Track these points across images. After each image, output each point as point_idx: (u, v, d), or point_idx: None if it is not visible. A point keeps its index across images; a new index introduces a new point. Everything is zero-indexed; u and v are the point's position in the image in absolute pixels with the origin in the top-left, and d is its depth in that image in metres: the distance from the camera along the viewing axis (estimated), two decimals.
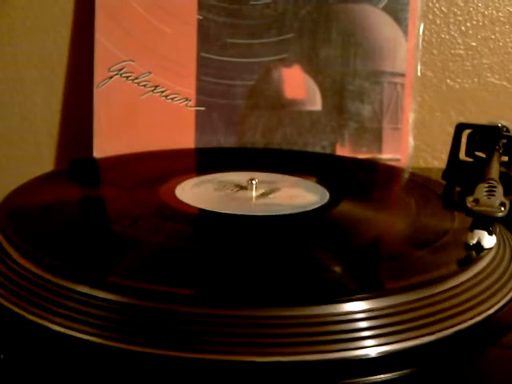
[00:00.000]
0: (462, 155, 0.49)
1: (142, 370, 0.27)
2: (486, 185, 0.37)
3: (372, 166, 0.56)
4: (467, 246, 0.34)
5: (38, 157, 0.61)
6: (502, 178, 0.41)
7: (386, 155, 0.59)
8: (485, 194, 0.36)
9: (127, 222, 0.37)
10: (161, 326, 0.27)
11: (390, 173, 0.54)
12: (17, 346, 0.28)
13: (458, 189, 0.46)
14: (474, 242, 0.34)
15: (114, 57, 0.56)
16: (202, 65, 0.57)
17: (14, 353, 0.28)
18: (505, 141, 0.47)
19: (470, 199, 0.34)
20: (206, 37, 0.57)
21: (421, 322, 0.29)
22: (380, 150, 0.59)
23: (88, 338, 0.28)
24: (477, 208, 0.34)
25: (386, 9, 0.58)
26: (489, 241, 0.34)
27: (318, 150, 0.58)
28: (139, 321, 0.28)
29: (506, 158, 0.47)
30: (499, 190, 0.37)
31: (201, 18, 0.56)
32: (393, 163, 0.58)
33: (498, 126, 0.48)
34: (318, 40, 0.57)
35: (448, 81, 0.64)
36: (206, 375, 0.26)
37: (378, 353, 0.28)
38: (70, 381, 0.27)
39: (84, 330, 0.28)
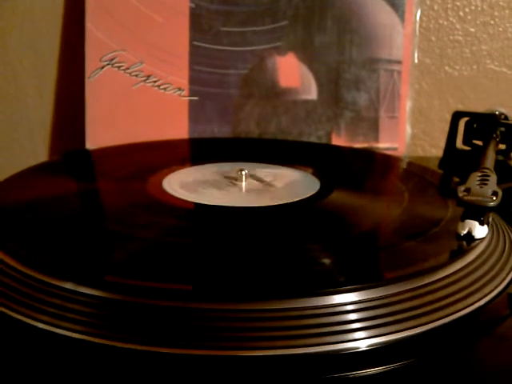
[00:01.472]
0: (460, 144, 0.49)
1: (133, 367, 0.26)
2: (480, 173, 0.36)
3: (368, 155, 0.55)
4: (458, 237, 0.33)
5: (32, 148, 0.60)
6: (500, 166, 0.40)
7: (383, 144, 0.58)
8: (477, 183, 0.35)
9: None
10: (148, 322, 0.27)
11: (386, 162, 0.53)
12: (1, 345, 0.28)
13: (456, 179, 0.46)
14: (465, 232, 0.33)
15: (105, 46, 0.55)
16: (195, 54, 0.56)
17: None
18: (503, 129, 0.46)
19: (461, 188, 0.34)
20: (198, 25, 0.56)
21: (412, 313, 0.29)
22: (377, 139, 0.58)
23: (75, 336, 0.27)
24: (468, 197, 0.33)
25: None
26: (480, 231, 0.33)
27: (313, 139, 0.58)
28: (128, 317, 0.27)
29: (503, 146, 0.47)
30: (492, 178, 0.36)
31: (193, 6, 0.56)
32: (390, 152, 0.57)
33: (495, 114, 0.47)
34: (313, 27, 0.57)
35: (446, 68, 0.63)
36: (194, 371, 0.26)
37: (369, 345, 0.27)
38: (57, 380, 0.26)
39: (72, 328, 0.27)
